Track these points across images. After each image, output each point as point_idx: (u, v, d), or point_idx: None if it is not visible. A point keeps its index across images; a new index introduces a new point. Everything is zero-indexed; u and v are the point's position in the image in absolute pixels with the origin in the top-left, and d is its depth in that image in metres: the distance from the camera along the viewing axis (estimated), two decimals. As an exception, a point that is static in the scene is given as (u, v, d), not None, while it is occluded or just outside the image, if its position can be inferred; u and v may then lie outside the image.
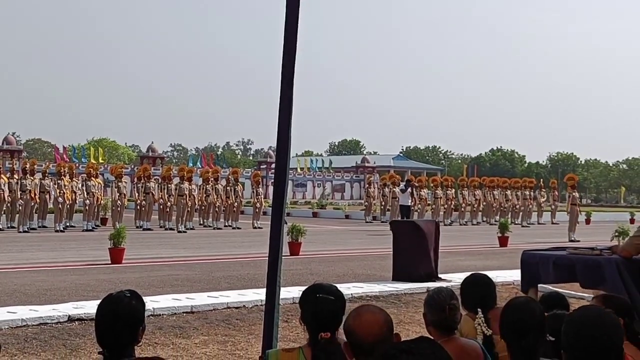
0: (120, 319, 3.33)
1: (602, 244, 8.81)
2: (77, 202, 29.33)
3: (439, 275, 13.76)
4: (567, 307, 4.83)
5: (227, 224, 31.52)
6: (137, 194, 30.37)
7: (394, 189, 36.06)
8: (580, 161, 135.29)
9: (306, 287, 3.93)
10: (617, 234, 18.99)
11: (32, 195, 27.10)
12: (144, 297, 3.58)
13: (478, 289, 4.86)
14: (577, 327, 2.82)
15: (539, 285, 7.45)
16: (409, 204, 32.51)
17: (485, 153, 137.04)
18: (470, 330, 4.65)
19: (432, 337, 4.18)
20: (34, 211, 27.86)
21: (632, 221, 40.22)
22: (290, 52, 5.15)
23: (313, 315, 3.68)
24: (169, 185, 30.26)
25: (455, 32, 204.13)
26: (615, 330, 2.82)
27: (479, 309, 4.74)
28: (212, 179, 31.96)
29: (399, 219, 28.05)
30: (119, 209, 29.05)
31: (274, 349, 4.12)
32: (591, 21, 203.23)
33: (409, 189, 32.66)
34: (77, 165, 42.17)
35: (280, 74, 5.17)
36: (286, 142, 5.16)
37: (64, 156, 66.97)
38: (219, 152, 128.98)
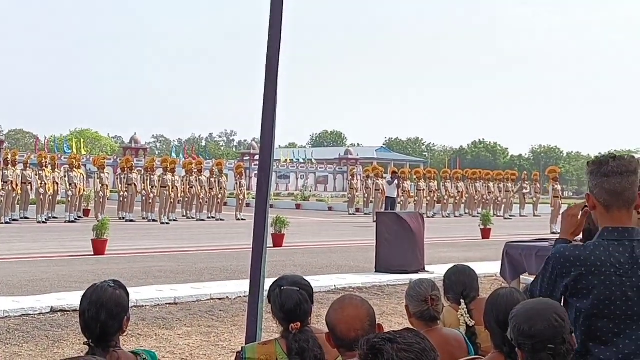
0: (105, 309, 3.33)
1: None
2: (59, 193, 29.22)
3: (425, 268, 13.83)
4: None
5: (210, 216, 31.50)
6: (119, 185, 30.26)
7: (377, 181, 36.11)
8: (563, 154, 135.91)
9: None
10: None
11: (14, 186, 26.94)
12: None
13: (461, 280, 4.90)
14: (527, 315, 2.85)
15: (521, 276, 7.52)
16: (395, 196, 32.57)
17: (468, 145, 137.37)
18: (453, 321, 4.69)
19: (416, 328, 4.23)
20: (15, 202, 27.71)
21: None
22: (274, 45, 5.15)
23: (279, 308, 3.75)
24: (152, 177, 30.17)
25: (437, 24, 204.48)
26: (563, 310, 2.87)
27: (462, 300, 4.79)
28: (196, 170, 31.92)
29: (384, 210, 28.12)
30: (101, 200, 28.97)
31: (251, 344, 4.15)
32: (574, 13, 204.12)
33: (396, 181, 32.67)
34: (59, 156, 41.95)
35: (265, 67, 5.17)
36: (270, 134, 5.17)
37: (46, 147, 66.63)
38: (202, 144, 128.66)
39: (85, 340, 3.37)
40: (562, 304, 3.02)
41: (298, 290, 3.77)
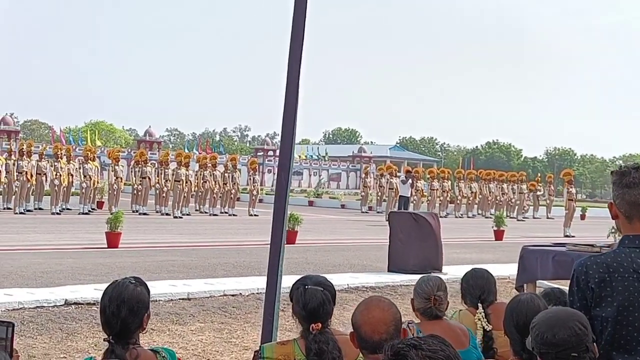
0: (126, 305, 3.35)
1: (598, 239, 8.84)
2: (73, 184, 29.30)
3: (442, 269, 13.76)
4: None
5: (223, 211, 31.53)
6: (133, 178, 30.31)
7: (391, 180, 36.05)
8: (577, 156, 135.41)
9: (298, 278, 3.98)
10: (613, 230, 18.98)
11: (29, 177, 27.04)
12: (140, 282, 3.59)
13: (478, 284, 4.88)
14: (550, 323, 2.84)
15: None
16: (409, 195, 32.46)
17: (482, 146, 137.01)
18: (470, 325, 4.66)
19: (420, 321, 4.34)
20: (30, 193, 27.80)
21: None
22: (296, 47, 5.12)
23: (302, 307, 3.72)
24: (166, 170, 30.19)
25: (454, 24, 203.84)
26: (585, 319, 2.87)
27: (479, 304, 4.77)
28: (210, 165, 31.95)
29: (397, 209, 28.06)
30: (115, 192, 29.04)
31: (269, 343, 4.15)
32: (590, 16, 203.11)
33: (410, 180, 32.53)
34: (73, 147, 42.08)
35: (287, 65, 5.15)
36: (291, 131, 5.15)
37: (61, 138, 66.87)
38: (216, 138, 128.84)
39: (105, 336, 3.38)
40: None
41: (322, 291, 3.75)
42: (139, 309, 3.40)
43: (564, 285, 9.44)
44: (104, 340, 3.38)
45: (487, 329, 4.67)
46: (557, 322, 2.81)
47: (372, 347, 3.16)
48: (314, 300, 3.70)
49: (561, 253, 7.04)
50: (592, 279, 3.04)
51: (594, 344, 2.85)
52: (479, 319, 4.70)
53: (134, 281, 3.49)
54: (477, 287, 4.86)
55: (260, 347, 3.89)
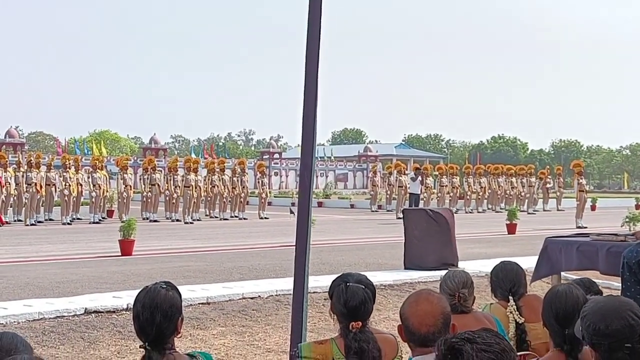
0: (160, 311, 3.31)
1: (614, 229, 8.77)
2: (82, 194, 29.30)
3: (457, 264, 13.67)
4: (600, 292, 4.76)
5: (233, 215, 31.49)
6: (143, 186, 30.27)
7: (400, 178, 35.93)
8: (583, 148, 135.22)
9: (335, 276, 3.92)
10: (627, 219, 18.96)
11: (38, 188, 27.08)
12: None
13: (509, 277, 4.84)
14: (602, 313, 2.78)
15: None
16: (419, 192, 32.26)
17: (487, 140, 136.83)
18: (502, 318, 4.62)
19: None
20: (40, 204, 27.84)
21: (637, 207, 40.16)
22: (313, 45, 5.10)
23: (343, 305, 3.67)
24: (175, 177, 30.14)
25: (457, 19, 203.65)
26: (638, 307, 2.81)
27: (510, 297, 4.72)
28: (218, 169, 31.91)
29: (408, 207, 27.97)
30: (125, 201, 29.04)
31: (306, 342, 4.09)
32: (595, 8, 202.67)
33: (419, 177, 32.33)
34: (81, 157, 42.15)
35: (305, 67, 5.14)
36: (311, 133, 5.14)
37: (66, 149, 67.01)
38: (221, 143, 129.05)
39: (141, 342, 3.34)
40: None
41: (364, 289, 3.70)
42: (172, 313, 3.36)
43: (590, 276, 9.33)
44: (140, 347, 3.34)
45: (520, 322, 4.62)
46: (610, 313, 2.75)
47: (420, 340, 3.12)
48: (355, 298, 3.64)
49: (585, 243, 6.96)
50: None
51: None
52: (511, 312, 4.66)
53: (165, 286, 3.46)
54: (508, 280, 4.81)
55: (297, 346, 3.84)
